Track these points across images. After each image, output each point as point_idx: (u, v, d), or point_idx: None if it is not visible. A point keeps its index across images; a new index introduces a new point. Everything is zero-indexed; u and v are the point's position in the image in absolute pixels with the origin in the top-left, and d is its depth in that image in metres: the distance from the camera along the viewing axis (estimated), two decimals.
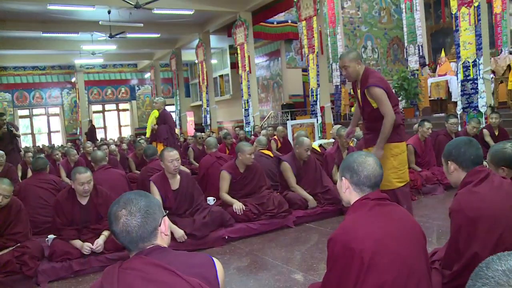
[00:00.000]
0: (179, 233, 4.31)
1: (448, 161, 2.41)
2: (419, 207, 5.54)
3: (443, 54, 12.70)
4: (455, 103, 10.10)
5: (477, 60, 8.02)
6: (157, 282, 1.47)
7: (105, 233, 4.24)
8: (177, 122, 21.01)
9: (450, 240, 2.30)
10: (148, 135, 8.98)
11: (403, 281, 1.82)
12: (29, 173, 8.92)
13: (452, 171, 2.41)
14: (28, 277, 3.82)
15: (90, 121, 21.89)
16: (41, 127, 24.44)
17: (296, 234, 4.75)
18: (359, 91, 4.17)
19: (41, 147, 16.61)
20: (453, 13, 8.30)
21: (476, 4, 7.85)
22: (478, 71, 8.04)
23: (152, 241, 1.59)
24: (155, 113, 8.49)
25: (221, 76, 22.01)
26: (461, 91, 8.41)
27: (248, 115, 14.51)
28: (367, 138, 4.31)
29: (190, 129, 21.19)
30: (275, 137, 9.93)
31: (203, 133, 12.82)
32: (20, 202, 4.21)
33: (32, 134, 23.93)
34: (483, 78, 8.00)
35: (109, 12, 13.54)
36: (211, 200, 5.34)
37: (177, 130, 20.18)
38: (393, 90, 10.90)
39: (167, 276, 1.48)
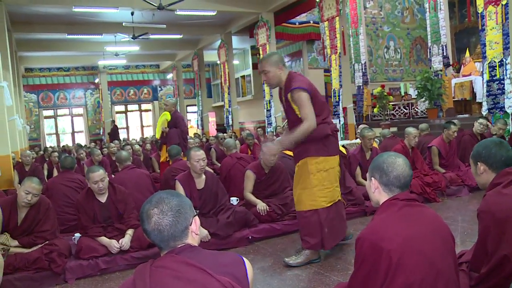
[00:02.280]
0: (203, 232, 4.34)
1: (478, 162, 2.37)
2: (443, 209, 5.48)
3: (467, 54, 12.52)
4: (480, 104, 9.94)
5: (504, 60, 7.88)
6: (188, 280, 1.49)
7: (129, 232, 4.34)
8: (199, 123, 21.10)
9: (478, 241, 2.27)
10: (158, 136, 8.57)
11: (431, 282, 1.82)
12: (55, 172, 9.12)
13: (481, 172, 2.36)
14: (57, 274, 3.91)
15: (113, 121, 22.15)
16: (65, 127, 24.82)
17: None
18: (283, 98, 3.85)
19: (65, 147, 16.88)
20: (479, 12, 8.17)
21: (504, 2, 7.70)
22: (505, 71, 7.89)
23: (183, 240, 1.62)
24: (167, 115, 8.02)
25: (243, 76, 22.03)
26: (487, 91, 8.28)
27: (270, 116, 14.51)
28: (296, 152, 3.93)
29: (212, 129, 21.28)
30: None
31: (225, 134, 12.88)
32: (48, 201, 4.31)
33: (57, 134, 24.31)
34: (510, 78, 7.86)
35: (132, 13, 13.69)
36: (234, 200, 5.36)
37: (198, 131, 20.32)
38: (417, 91, 10.93)
39: (198, 275, 1.51)
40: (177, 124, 7.97)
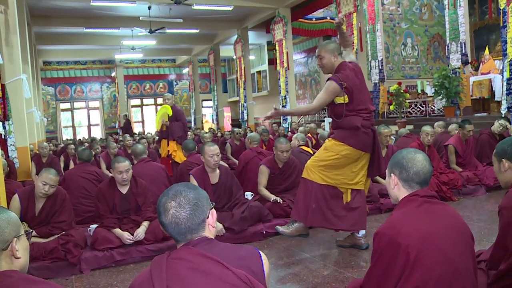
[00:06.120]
0: (218, 226, 4.35)
1: (503, 159, 2.32)
2: (459, 208, 5.43)
3: (487, 51, 12.34)
4: (498, 102, 9.81)
5: None
6: (204, 272, 1.49)
7: (145, 223, 4.37)
8: (214, 118, 21.17)
9: (497, 238, 2.23)
10: (158, 128, 8.27)
11: (448, 280, 1.80)
12: (71, 165, 9.21)
13: (506, 169, 2.31)
14: (72, 264, 3.95)
15: (126, 115, 22.31)
16: (81, 120, 25.08)
17: (334, 231, 4.72)
18: None
19: (82, 140, 17.07)
20: (501, 8, 8.04)
21: None
22: None
23: (200, 232, 1.62)
24: (168, 109, 7.78)
25: (258, 72, 22.04)
26: (507, 90, 8.15)
27: None
28: (330, 133, 4.19)
29: (227, 124, 21.33)
30: (309, 134, 9.87)
31: (240, 129, 12.90)
32: (65, 192, 4.36)
33: (73, 127, 24.60)
34: None
35: (149, 7, 13.76)
36: (248, 195, 5.36)
37: (213, 126, 20.38)
38: (434, 88, 10.81)
39: (214, 267, 1.51)
40: (178, 117, 7.86)
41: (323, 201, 3.93)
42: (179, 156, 7.61)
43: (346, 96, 3.84)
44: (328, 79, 3.88)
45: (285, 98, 14.45)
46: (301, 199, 3.99)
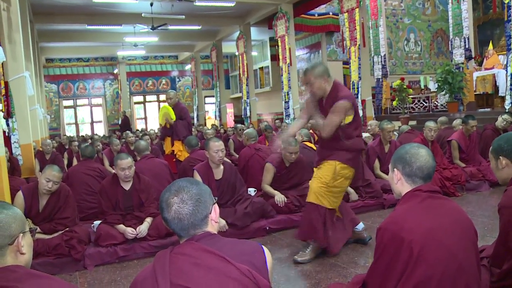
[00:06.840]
0: (221, 222, 4.36)
1: (500, 156, 2.28)
2: (463, 204, 5.41)
3: (490, 46, 12.29)
4: (502, 97, 9.77)
5: None
6: (207, 267, 1.50)
7: (148, 220, 4.38)
8: (217, 114, 21.16)
9: (499, 237, 2.21)
10: (162, 123, 7.88)
11: (452, 275, 1.79)
12: (75, 161, 9.24)
13: (503, 166, 2.28)
14: (76, 260, 3.97)
15: (124, 112, 22.30)
16: (84, 117, 25.10)
17: None
18: (325, 106, 3.79)
19: (85, 136, 17.09)
20: (506, 2, 7.99)
21: None
22: None
23: (203, 228, 1.62)
24: (171, 112, 7.51)
25: (261, 68, 21.98)
26: (511, 85, 8.12)
27: (288, 108, 14.46)
28: (327, 154, 3.89)
29: (230, 120, 21.29)
30: (311, 131, 9.84)
31: (243, 125, 12.90)
32: (68, 188, 4.37)
33: (76, 124, 24.60)
34: None
35: (151, 4, 13.72)
36: (252, 191, 5.36)
37: (216, 122, 20.37)
38: (437, 84, 10.77)
39: (217, 262, 1.51)
40: (182, 115, 7.62)
41: (334, 224, 3.90)
42: (184, 156, 7.56)
43: (352, 115, 3.74)
44: (340, 100, 3.63)
45: (287, 94, 14.43)
46: (307, 222, 3.86)
